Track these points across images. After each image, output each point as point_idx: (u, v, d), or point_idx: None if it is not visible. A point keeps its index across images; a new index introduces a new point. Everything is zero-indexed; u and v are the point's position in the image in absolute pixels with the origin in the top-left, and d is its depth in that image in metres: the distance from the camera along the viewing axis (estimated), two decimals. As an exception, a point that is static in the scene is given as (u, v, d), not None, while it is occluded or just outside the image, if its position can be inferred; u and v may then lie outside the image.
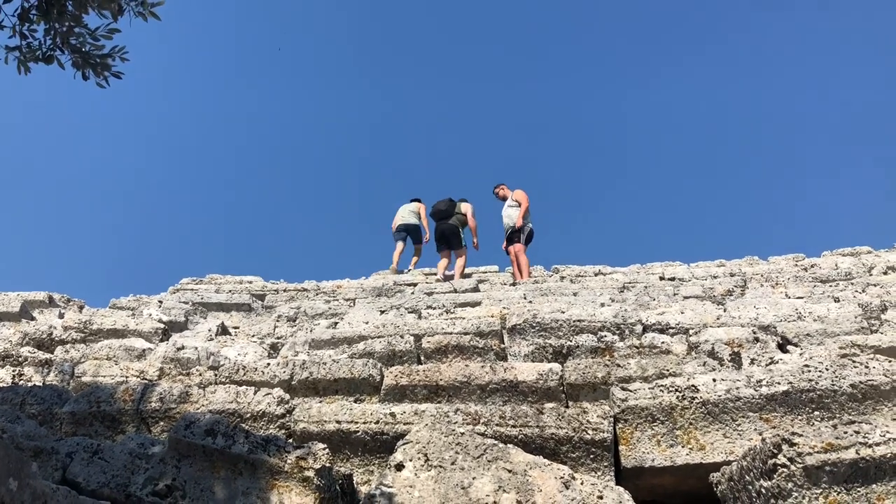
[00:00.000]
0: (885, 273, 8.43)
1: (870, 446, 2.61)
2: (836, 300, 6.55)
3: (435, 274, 11.51)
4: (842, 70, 37.51)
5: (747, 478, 2.84)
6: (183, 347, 5.72)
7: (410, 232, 12.67)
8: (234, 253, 38.61)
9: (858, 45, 36.63)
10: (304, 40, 44.18)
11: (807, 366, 3.62)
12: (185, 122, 42.71)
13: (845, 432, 2.66)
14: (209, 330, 7.17)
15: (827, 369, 3.54)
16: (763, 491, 2.71)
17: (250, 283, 10.95)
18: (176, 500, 3.16)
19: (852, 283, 7.86)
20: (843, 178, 37.12)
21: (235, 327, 8.06)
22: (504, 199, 11.89)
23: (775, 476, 2.66)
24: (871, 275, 8.50)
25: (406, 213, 12.85)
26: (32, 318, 7.90)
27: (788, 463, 2.63)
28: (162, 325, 7.03)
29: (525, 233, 11.30)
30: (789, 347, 4.97)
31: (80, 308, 8.84)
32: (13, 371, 5.25)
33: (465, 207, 11.99)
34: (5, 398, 4.42)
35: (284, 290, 10.37)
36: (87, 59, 3.60)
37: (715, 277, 9.42)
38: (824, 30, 37.81)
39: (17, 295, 8.18)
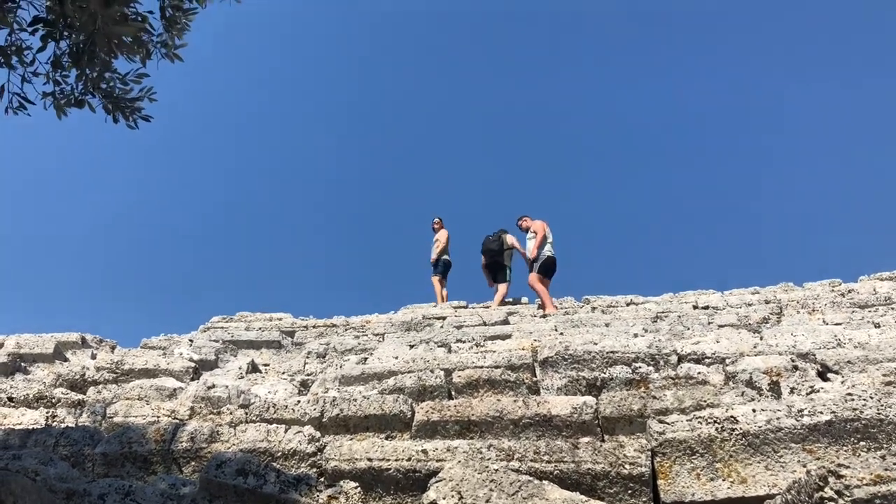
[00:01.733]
0: (926, 297, 8.21)
1: (922, 478, 2.50)
2: (877, 326, 6.39)
3: (465, 307, 11.48)
4: (877, 87, 37.12)
5: (793, 512, 2.74)
6: (213, 386, 5.71)
7: (443, 266, 12.86)
8: (263, 290, 38.86)
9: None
10: (335, 75, 44.85)
11: (850, 394, 3.50)
12: (214, 160, 43.38)
13: (895, 463, 2.56)
14: (239, 368, 7.17)
15: (872, 398, 3.43)
16: (810, 526, 2.61)
17: (280, 319, 10.97)
18: (207, 542, 3.13)
19: (893, 308, 7.66)
20: (879, 200, 36.54)
21: (266, 364, 8.06)
22: (527, 230, 11.89)
23: (823, 510, 2.56)
24: (911, 299, 8.29)
25: (434, 246, 13.06)
26: (66, 359, 7.97)
27: (836, 496, 2.52)
28: (193, 364, 7.04)
29: (539, 262, 11.22)
30: (830, 375, 4.83)
31: (112, 348, 8.91)
32: (47, 412, 5.28)
33: (511, 240, 12.33)
34: (38, 440, 4.43)
35: (314, 326, 10.37)
36: (117, 102, 3.67)
37: (749, 305, 9.26)
38: (865, 36, 37.55)
39: (51, 336, 8.27)
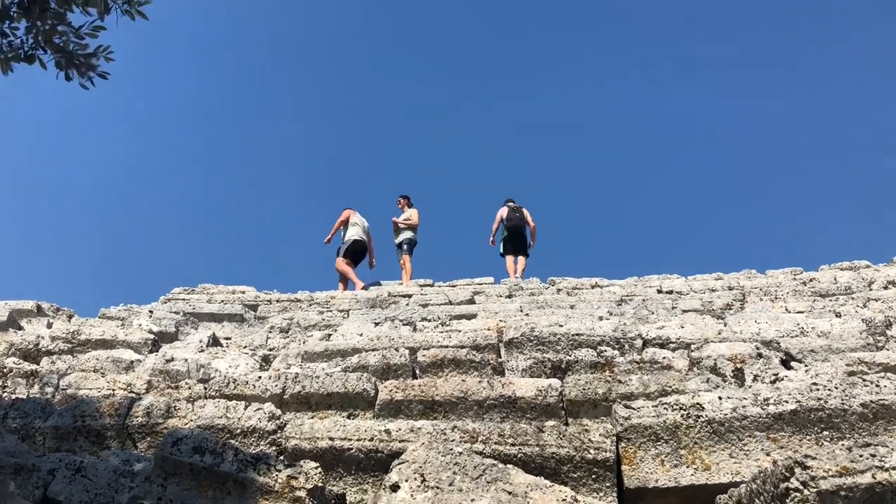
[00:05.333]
0: (886, 288, 8.32)
1: (886, 470, 2.49)
2: (838, 315, 6.45)
3: (431, 285, 11.42)
4: (840, 84, 37.63)
5: (757, 502, 2.73)
6: (172, 359, 5.59)
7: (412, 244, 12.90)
8: (226, 262, 38.41)
9: (859, 59, 36.77)
10: (296, 47, 44.14)
11: (815, 384, 3.51)
12: (178, 129, 42.55)
13: (861, 455, 2.55)
14: (200, 341, 7.03)
15: (836, 388, 3.44)
16: (774, 516, 2.60)
17: (243, 293, 10.80)
18: (161, 521, 3.03)
19: (853, 298, 7.76)
20: (839, 191, 37.21)
21: (227, 338, 7.92)
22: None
23: (787, 501, 2.54)
24: (871, 290, 8.40)
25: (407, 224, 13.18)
26: (20, 328, 7.75)
27: (802, 487, 2.51)
28: (152, 336, 6.89)
29: (346, 245, 12.23)
30: (793, 364, 4.86)
31: (70, 318, 8.68)
32: (-3, 383, 5.11)
33: (527, 214, 13.14)
34: (-13, 411, 4.28)
35: (277, 301, 10.23)
36: (70, 58, 3.47)
37: (713, 291, 9.33)
38: (821, 41, 38.00)
39: (5, 304, 8.02)
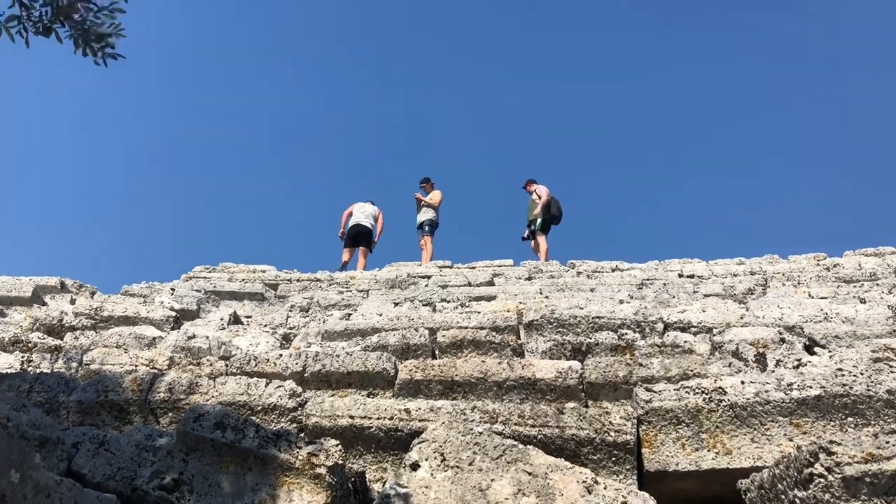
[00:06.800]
0: (912, 274, 8.20)
1: (913, 457, 2.46)
2: (863, 301, 6.37)
3: (450, 267, 11.41)
4: (855, 67, 37.04)
5: (780, 486, 2.71)
6: (194, 336, 5.63)
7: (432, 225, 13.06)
8: (247, 242, 38.63)
9: (870, 41, 36.11)
10: (325, 27, 44.04)
11: (840, 369, 3.47)
12: (200, 108, 42.69)
13: (887, 442, 2.51)
14: (221, 319, 7.08)
15: (862, 374, 3.40)
16: (797, 501, 2.58)
17: (263, 272, 10.83)
18: (183, 495, 3.06)
19: (878, 285, 7.65)
20: (863, 176, 36.71)
21: (248, 317, 7.96)
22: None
23: (811, 486, 2.52)
24: (896, 276, 8.28)
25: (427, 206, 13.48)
26: (44, 304, 7.84)
27: (826, 473, 2.49)
28: (173, 313, 6.94)
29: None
30: (816, 349, 4.81)
31: (92, 294, 8.77)
32: (22, 357, 5.17)
33: None
34: (12, 385, 4.33)
35: (297, 280, 10.26)
36: (87, 35, 3.45)
37: (735, 275, 9.23)
38: (843, 20, 37.34)
39: (30, 280, 8.12)
